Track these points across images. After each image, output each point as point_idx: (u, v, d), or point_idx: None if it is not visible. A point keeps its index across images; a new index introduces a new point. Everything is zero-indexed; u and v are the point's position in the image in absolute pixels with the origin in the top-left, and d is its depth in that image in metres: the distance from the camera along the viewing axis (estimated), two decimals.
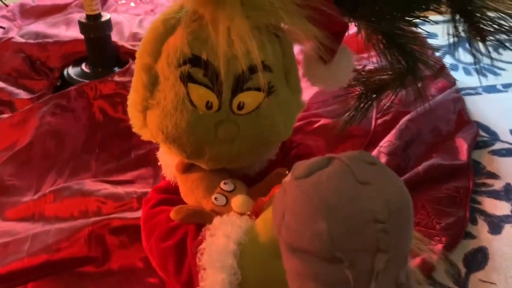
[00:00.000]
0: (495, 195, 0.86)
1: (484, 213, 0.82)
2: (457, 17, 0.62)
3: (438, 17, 0.68)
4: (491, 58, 0.66)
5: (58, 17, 1.45)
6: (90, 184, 0.86)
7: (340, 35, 0.55)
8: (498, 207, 0.83)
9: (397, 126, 0.96)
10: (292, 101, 0.59)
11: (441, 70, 1.03)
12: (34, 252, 0.73)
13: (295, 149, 0.67)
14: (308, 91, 1.01)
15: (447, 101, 1.06)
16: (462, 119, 1.04)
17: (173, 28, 0.53)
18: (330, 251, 0.32)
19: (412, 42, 0.64)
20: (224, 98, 0.53)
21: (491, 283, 0.70)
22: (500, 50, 0.73)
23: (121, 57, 1.18)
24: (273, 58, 0.54)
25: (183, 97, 0.53)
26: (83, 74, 1.14)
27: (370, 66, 0.80)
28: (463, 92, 1.14)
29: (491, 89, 1.18)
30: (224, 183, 0.56)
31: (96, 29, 1.10)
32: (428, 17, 0.64)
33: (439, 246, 0.74)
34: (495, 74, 1.23)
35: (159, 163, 0.65)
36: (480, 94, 1.16)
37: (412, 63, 0.64)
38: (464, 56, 1.24)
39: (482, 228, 0.80)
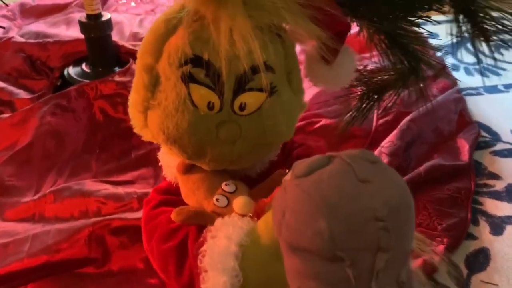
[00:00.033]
0: (497, 196, 0.86)
1: (485, 214, 0.82)
2: (461, 17, 0.62)
3: (440, 17, 0.68)
4: (495, 59, 0.65)
5: (58, 16, 1.45)
6: (90, 185, 0.86)
7: (343, 35, 0.55)
8: (499, 208, 0.83)
9: (399, 126, 0.96)
10: (294, 102, 0.58)
11: (442, 70, 1.03)
12: (34, 253, 0.73)
13: (296, 150, 0.67)
14: (308, 92, 1.01)
15: (449, 102, 1.06)
16: (464, 120, 1.04)
17: (174, 28, 0.53)
18: (331, 250, 0.32)
19: (414, 42, 0.63)
20: (226, 99, 0.52)
21: (493, 284, 0.70)
22: (502, 50, 0.73)
23: (122, 57, 1.18)
24: (275, 59, 0.53)
25: (185, 97, 0.52)
26: (83, 74, 1.14)
27: (371, 66, 0.80)
28: (464, 92, 1.14)
29: (493, 89, 1.18)
30: (226, 184, 0.56)
31: (96, 28, 1.10)
32: (430, 17, 0.64)
33: (441, 247, 0.74)
34: (497, 74, 1.23)
35: (159, 164, 0.64)
36: (481, 94, 1.16)
37: (414, 63, 0.63)
38: (465, 56, 1.24)
39: (483, 229, 0.79)
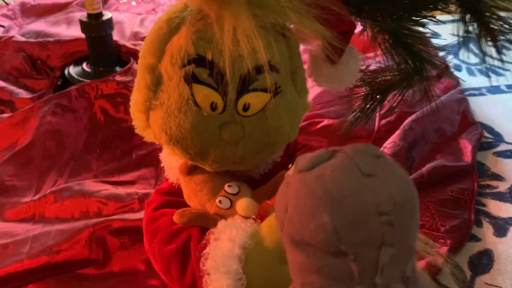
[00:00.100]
0: (500, 197, 0.85)
1: (489, 215, 0.82)
2: (467, 16, 0.61)
3: (445, 17, 0.67)
4: (502, 61, 0.65)
5: (59, 16, 1.45)
6: (91, 185, 0.86)
7: (348, 34, 0.54)
8: (503, 209, 0.83)
9: (401, 127, 0.95)
10: (299, 102, 0.58)
11: (446, 70, 1.02)
12: (34, 254, 0.72)
13: (300, 151, 0.66)
14: (311, 92, 1.00)
15: (451, 102, 1.06)
16: (466, 120, 1.03)
17: (177, 28, 0.52)
18: (334, 244, 0.31)
19: (419, 42, 0.63)
20: (229, 99, 0.52)
21: (497, 286, 0.69)
22: (504, 51, 0.72)
23: (123, 57, 1.18)
24: (280, 58, 0.53)
25: (187, 97, 0.52)
26: (84, 74, 1.14)
27: (375, 66, 0.79)
28: (467, 93, 1.14)
29: (495, 89, 1.17)
30: (229, 186, 0.56)
31: (97, 28, 1.10)
32: (435, 16, 0.63)
33: (444, 249, 0.73)
34: (499, 75, 1.22)
35: (161, 165, 0.64)
36: (484, 95, 1.15)
37: (419, 63, 0.63)
38: (467, 56, 1.23)
39: (487, 230, 0.79)
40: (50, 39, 1.23)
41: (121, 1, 1.58)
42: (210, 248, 0.48)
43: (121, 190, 0.85)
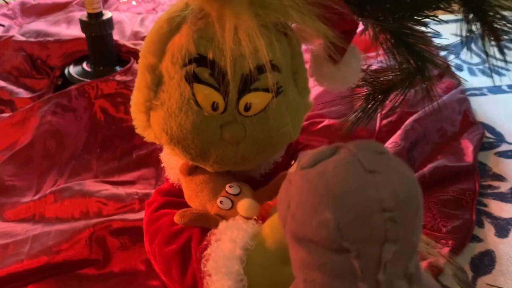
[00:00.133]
0: (502, 197, 0.85)
1: (490, 216, 0.81)
2: (470, 16, 0.61)
3: (447, 17, 0.67)
4: (506, 61, 0.64)
5: (59, 15, 1.45)
6: (91, 185, 0.86)
7: (350, 34, 0.54)
8: (505, 210, 0.82)
9: (403, 127, 0.95)
10: (300, 102, 0.58)
11: (448, 69, 1.02)
12: (34, 254, 0.72)
13: (301, 150, 0.66)
14: (311, 91, 1.01)
15: (452, 102, 1.05)
16: (468, 120, 1.03)
17: (178, 27, 0.52)
18: (336, 241, 0.31)
19: (421, 42, 0.63)
20: (231, 99, 0.52)
21: (499, 287, 0.69)
22: (506, 50, 0.72)
23: (123, 56, 1.18)
24: (282, 58, 0.52)
25: (188, 97, 0.52)
26: (84, 73, 1.13)
27: (376, 66, 0.79)
28: (468, 93, 1.13)
29: (497, 89, 1.17)
30: (230, 186, 0.55)
31: (97, 27, 1.09)
32: (437, 16, 0.63)
33: (446, 250, 0.73)
34: (501, 74, 1.22)
35: (162, 165, 0.64)
36: (485, 95, 1.15)
37: (421, 63, 0.63)
38: (469, 56, 1.23)
39: (488, 231, 0.79)
40: (50, 38, 1.23)
41: (121, 1, 1.58)
42: (211, 249, 0.48)
43: (121, 190, 0.85)
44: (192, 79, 0.51)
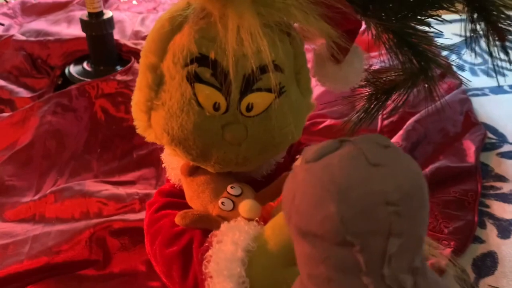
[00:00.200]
0: (504, 198, 0.85)
1: (492, 217, 0.81)
2: (475, 15, 0.61)
3: (450, 16, 0.67)
4: (510, 62, 0.64)
5: (59, 14, 1.44)
6: (91, 185, 0.85)
7: (353, 33, 0.53)
8: (507, 211, 0.82)
9: (404, 127, 0.95)
10: (303, 102, 0.57)
11: (451, 69, 1.02)
12: (34, 255, 0.72)
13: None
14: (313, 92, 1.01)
15: (454, 102, 1.05)
16: (470, 121, 1.03)
17: (179, 26, 0.51)
18: (341, 235, 0.31)
19: (424, 41, 0.62)
20: (232, 99, 0.51)
21: None
22: (510, 51, 0.72)
23: (123, 56, 1.17)
24: (284, 58, 0.52)
25: (190, 97, 0.51)
26: (84, 73, 1.13)
27: (379, 66, 0.78)
28: (469, 93, 1.13)
29: (498, 90, 1.17)
30: (231, 187, 0.55)
31: (97, 27, 1.09)
32: (440, 15, 0.63)
33: (448, 251, 0.73)
34: (502, 75, 1.21)
35: (163, 165, 0.63)
36: (487, 95, 1.15)
37: (424, 63, 0.62)
38: (470, 56, 1.23)
39: (491, 232, 0.78)
40: (50, 38, 1.23)
41: (122, 0, 1.58)
42: (212, 250, 0.48)
43: (121, 190, 0.84)
44: (194, 79, 0.51)
